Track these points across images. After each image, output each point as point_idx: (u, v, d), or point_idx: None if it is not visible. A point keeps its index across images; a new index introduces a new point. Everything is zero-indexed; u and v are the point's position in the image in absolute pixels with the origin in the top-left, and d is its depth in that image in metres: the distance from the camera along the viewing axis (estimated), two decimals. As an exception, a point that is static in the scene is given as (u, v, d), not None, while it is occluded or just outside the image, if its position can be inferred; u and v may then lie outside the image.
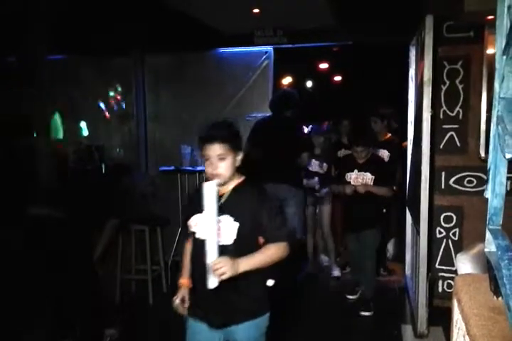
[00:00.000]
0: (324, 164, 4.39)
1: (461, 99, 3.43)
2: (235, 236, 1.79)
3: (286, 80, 8.26)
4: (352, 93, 8.48)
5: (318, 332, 3.36)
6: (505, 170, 0.85)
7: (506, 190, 0.88)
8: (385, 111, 4.48)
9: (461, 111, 3.45)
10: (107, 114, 5.14)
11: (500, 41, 0.82)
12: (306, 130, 4.62)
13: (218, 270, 1.61)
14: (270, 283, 1.96)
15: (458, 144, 3.47)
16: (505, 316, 0.78)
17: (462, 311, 0.93)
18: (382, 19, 4.03)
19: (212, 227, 1.67)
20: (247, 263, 1.72)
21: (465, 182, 3.47)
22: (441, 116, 3.47)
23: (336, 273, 4.42)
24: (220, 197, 1.79)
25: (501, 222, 0.90)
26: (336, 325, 3.41)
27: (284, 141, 3.98)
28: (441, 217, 3.53)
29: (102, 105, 5.15)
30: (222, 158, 1.79)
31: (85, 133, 5.12)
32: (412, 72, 3.91)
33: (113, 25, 4.26)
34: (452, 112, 3.47)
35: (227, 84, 4.76)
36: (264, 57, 4.70)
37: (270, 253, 1.79)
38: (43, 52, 4.06)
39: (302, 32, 4.57)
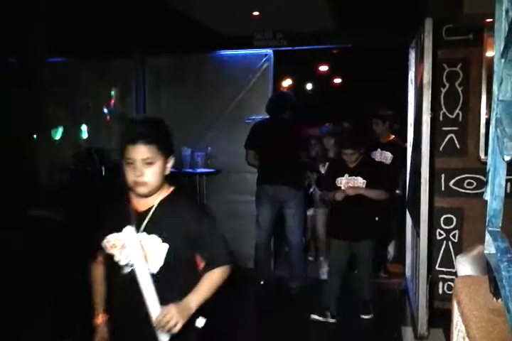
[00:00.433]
0: None
1: (461, 101, 3.44)
2: (162, 262, 1.49)
3: (286, 83, 8.28)
4: (352, 95, 8.50)
5: (318, 333, 3.36)
6: (505, 172, 0.86)
7: (506, 192, 0.89)
8: (386, 112, 4.48)
9: (460, 113, 3.45)
10: (107, 115, 5.14)
11: (499, 44, 0.82)
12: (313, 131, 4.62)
13: (167, 325, 1.38)
14: (201, 323, 1.66)
15: (457, 146, 3.48)
16: (505, 318, 0.78)
17: (462, 313, 0.93)
18: (381, 22, 4.04)
19: (139, 259, 1.41)
20: (197, 297, 1.50)
21: (465, 184, 3.48)
22: (440, 118, 3.48)
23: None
24: (145, 212, 1.54)
25: (500, 224, 0.91)
26: (336, 327, 3.41)
27: (282, 142, 4.00)
28: (441, 218, 3.54)
29: (102, 107, 5.16)
30: (148, 163, 1.48)
31: (85, 136, 5.11)
32: (411, 74, 3.92)
33: (113, 26, 4.27)
34: (452, 114, 3.47)
35: (227, 87, 4.77)
36: (264, 59, 4.71)
37: (216, 278, 1.55)
38: (43, 53, 4.07)
39: (302, 35, 4.58)
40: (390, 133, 4.50)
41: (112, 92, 5.13)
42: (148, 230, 1.49)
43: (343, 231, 3.40)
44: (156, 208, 1.54)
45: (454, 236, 3.53)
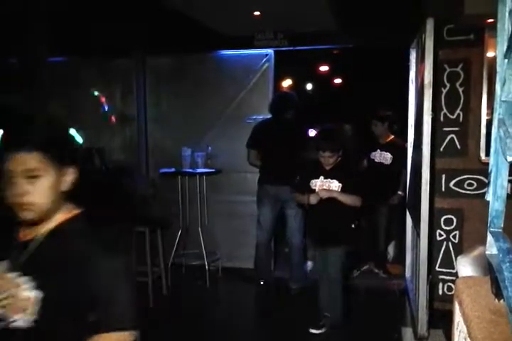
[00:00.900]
0: None
1: (462, 101, 3.44)
2: (34, 315, 1.11)
3: (287, 83, 8.29)
4: (352, 96, 8.51)
5: (318, 334, 3.35)
6: (507, 173, 0.86)
7: (507, 192, 0.88)
8: (385, 113, 4.48)
9: (461, 113, 3.45)
10: (107, 115, 5.14)
11: (502, 44, 0.82)
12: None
13: None
14: None
15: (458, 147, 3.48)
16: (507, 319, 0.78)
17: (463, 313, 0.93)
18: (382, 22, 4.04)
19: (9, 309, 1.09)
20: None
21: (465, 185, 3.48)
22: (441, 118, 3.48)
23: None
24: (25, 244, 1.16)
25: (502, 225, 0.90)
26: (336, 327, 3.41)
27: (284, 142, 4.00)
28: (442, 219, 3.54)
29: (102, 107, 5.16)
30: (32, 177, 1.10)
31: (79, 140, 5.02)
32: (412, 74, 3.92)
33: (114, 26, 4.27)
34: (453, 115, 3.47)
35: (228, 87, 4.77)
36: (264, 59, 4.71)
37: None
38: (43, 53, 4.07)
39: (303, 35, 4.58)
40: (390, 133, 4.50)
41: (113, 93, 5.12)
42: (24, 270, 1.13)
43: (318, 236, 3.27)
44: (40, 240, 1.16)
45: (454, 236, 3.53)
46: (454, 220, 3.52)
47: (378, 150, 4.43)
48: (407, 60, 3.94)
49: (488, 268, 0.94)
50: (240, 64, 4.77)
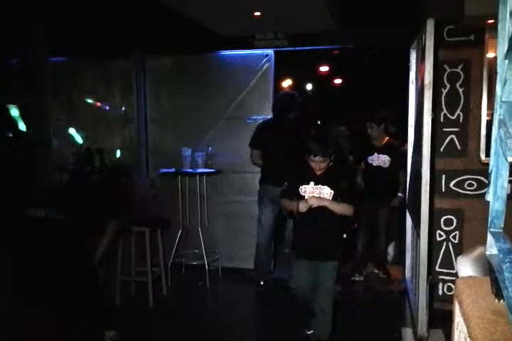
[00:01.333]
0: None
1: (462, 102, 3.44)
2: None
3: (287, 83, 8.29)
4: (352, 96, 8.51)
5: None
6: (507, 174, 0.86)
7: (507, 193, 0.89)
8: (381, 114, 4.43)
9: (461, 114, 3.46)
10: (107, 116, 5.14)
11: (502, 45, 0.82)
12: None
13: None
14: None
15: (458, 147, 3.48)
16: (507, 319, 0.79)
17: (463, 314, 0.93)
18: (382, 23, 4.05)
19: None
20: None
21: (465, 186, 3.48)
22: (441, 119, 3.48)
23: None
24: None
25: (503, 225, 0.91)
26: (335, 327, 3.41)
27: (286, 143, 4.00)
28: (442, 220, 3.54)
29: (102, 107, 5.16)
30: None
31: (79, 140, 5.04)
32: (412, 75, 3.92)
33: (114, 26, 4.27)
34: (453, 115, 3.47)
35: (228, 87, 4.77)
36: (264, 60, 4.71)
37: None
38: (43, 53, 4.07)
39: (303, 35, 4.59)
40: (385, 135, 4.41)
41: (113, 94, 5.13)
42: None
43: (305, 248, 2.98)
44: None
45: (454, 237, 3.53)
46: (454, 220, 3.52)
47: (376, 153, 4.35)
48: (408, 60, 3.94)
49: (489, 269, 0.94)
50: (240, 64, 4.77)
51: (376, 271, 4.51)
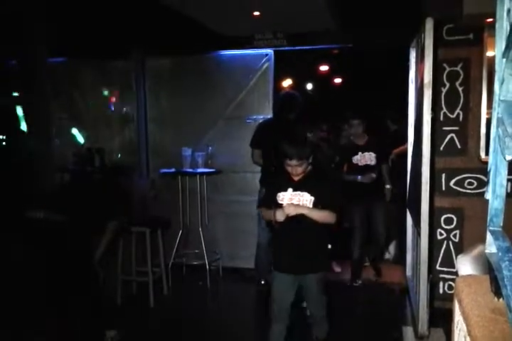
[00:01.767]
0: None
1: (461, 101, 3.44)
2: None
3: (287, 82, 8.28)
4: (352, 95, 8.50)
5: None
6: (506, 172, 0.86)
7: (506, 191, 0.89)
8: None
9: (461, 113, 3.46)
10: (107, 116, 5.15)
11: (500, 44, 0.82)
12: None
13: None
14: None
15: (458, 146, 3.48)
16: (507, 317, 0.79)
17: (463, 312, 0.93)
18: (382, 22, 4.05)
19: None
20: None
21: (465, 184, 3.48)
22: (441, 118, 3.48)
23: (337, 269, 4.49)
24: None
25: (502, 223, 0.91)
26: (335, 327, 3.41)
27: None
28: (442, 218, 3.54)
29: (102, 107, 5.16)
30: None
31: (80, 140, 5.05)
32: (412, 74, 3.92)
33: (114, 27, 4.27)
34: (452, 114, 3.48)
35: (228, 87, 4.78)
36: (264, 59, 4.71)
37: None
38: (43, 53, 4.07)
39: (302, 35, 4.59)
40: (364, 133, 4.28)
41: (113, 94, 5.14)
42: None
43: (286, 261, 2.69)
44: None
45: (454, 235, 3.53)
46: (455, 219, 3.52)
47: (360, 152, 4.23)
48: (407, 59, 3.95)
49: (488, 267, 0.94)
50: (240, 64, 4.77)
51: (374, 279, 4.47)
